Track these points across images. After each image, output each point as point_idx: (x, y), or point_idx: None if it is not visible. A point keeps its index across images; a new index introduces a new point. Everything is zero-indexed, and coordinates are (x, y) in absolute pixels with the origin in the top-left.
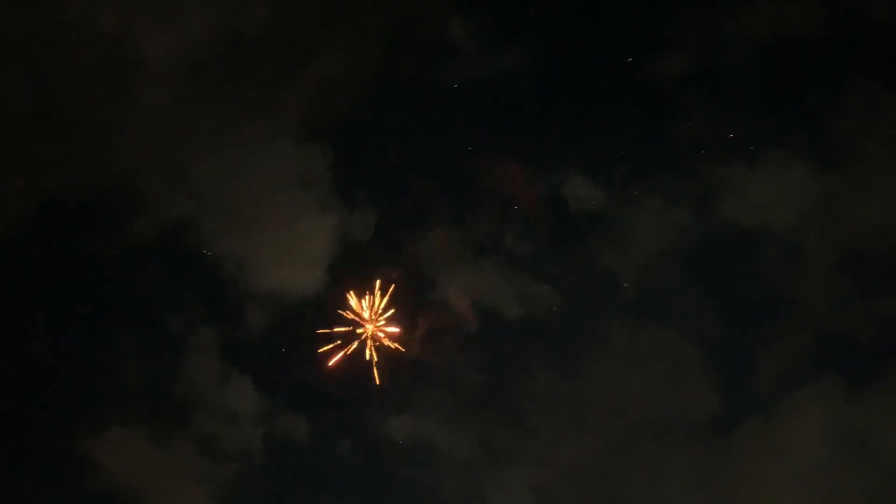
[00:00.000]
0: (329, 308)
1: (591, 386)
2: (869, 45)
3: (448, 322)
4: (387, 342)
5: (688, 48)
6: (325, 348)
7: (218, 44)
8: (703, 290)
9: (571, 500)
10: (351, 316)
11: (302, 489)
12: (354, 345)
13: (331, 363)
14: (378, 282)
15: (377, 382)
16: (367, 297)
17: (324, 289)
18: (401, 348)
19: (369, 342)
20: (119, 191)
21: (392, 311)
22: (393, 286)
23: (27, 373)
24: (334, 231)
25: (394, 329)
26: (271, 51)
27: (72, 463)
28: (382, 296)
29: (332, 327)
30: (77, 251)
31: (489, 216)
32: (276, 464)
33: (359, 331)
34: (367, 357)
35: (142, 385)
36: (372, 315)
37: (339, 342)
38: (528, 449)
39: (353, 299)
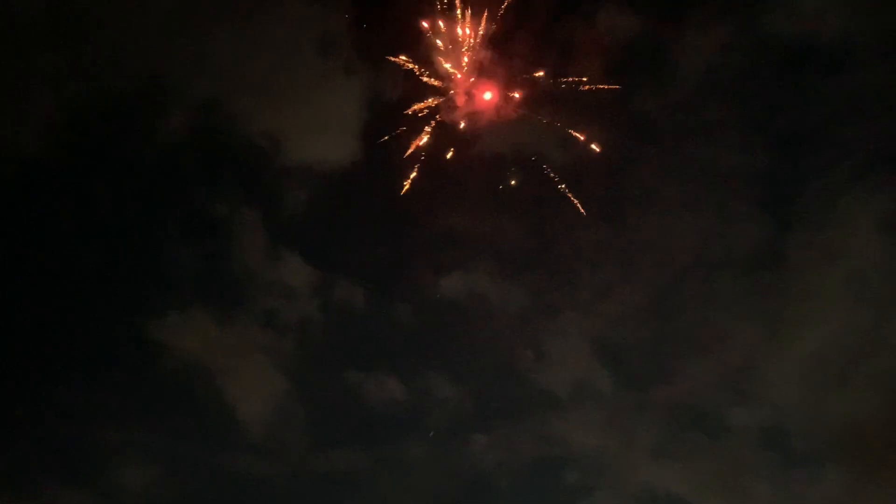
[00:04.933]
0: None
1: (638, 232)
2: None
3: (489, 175)
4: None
5: None
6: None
7: None
8: (749, 117)
9: (627, 342)
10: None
11: (363, 354)
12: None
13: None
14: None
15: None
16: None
17: (358, 156)
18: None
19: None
20: (143, 87)
21: None
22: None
23: (88, 273)
24: (362, 94)
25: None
26: None
27: (145, 348)
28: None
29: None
30: (113, 151)
31: (522, 57)
32: (337, 331)
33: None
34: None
35: (196, 269)
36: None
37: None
38: (580, 297)
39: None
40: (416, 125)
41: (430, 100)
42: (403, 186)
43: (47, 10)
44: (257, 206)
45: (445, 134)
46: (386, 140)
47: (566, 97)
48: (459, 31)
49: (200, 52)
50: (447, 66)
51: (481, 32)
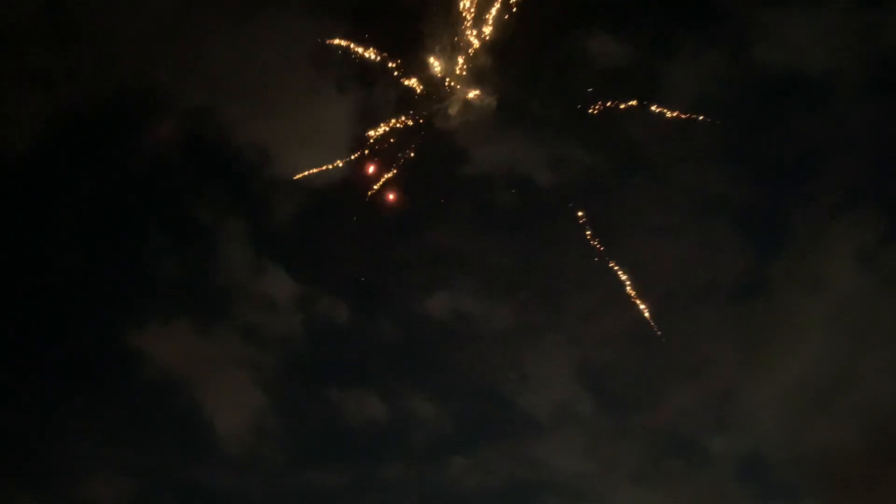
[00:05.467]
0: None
1: (623, 257)
2: None
3: (479, 194)
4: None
5: None
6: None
7: None
8: (736, 146)
9: (610, 367)
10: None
11: (344, 371)
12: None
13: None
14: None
15: None
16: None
17: (347, 171)
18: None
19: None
20: (134, 93)
21: None
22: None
23: (70, 279)
24: (354, 110)
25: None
26: None
27: (125, 358)
28: None
29: (357, 206)
30: (101, 157)
31: (514, 80)
32: (318, 347)
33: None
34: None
35: (179, 279)
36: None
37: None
38: (565, 321)
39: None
40: (406, 138)
41: (423, 113)
42: (376, 192)
43: (40, 14)
44: (243, 217)
45: (435, 148)
46: (368, 154)
47: (557, 118)
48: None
49: (193, 61)
50: (441, 75)
51: (477, 45)
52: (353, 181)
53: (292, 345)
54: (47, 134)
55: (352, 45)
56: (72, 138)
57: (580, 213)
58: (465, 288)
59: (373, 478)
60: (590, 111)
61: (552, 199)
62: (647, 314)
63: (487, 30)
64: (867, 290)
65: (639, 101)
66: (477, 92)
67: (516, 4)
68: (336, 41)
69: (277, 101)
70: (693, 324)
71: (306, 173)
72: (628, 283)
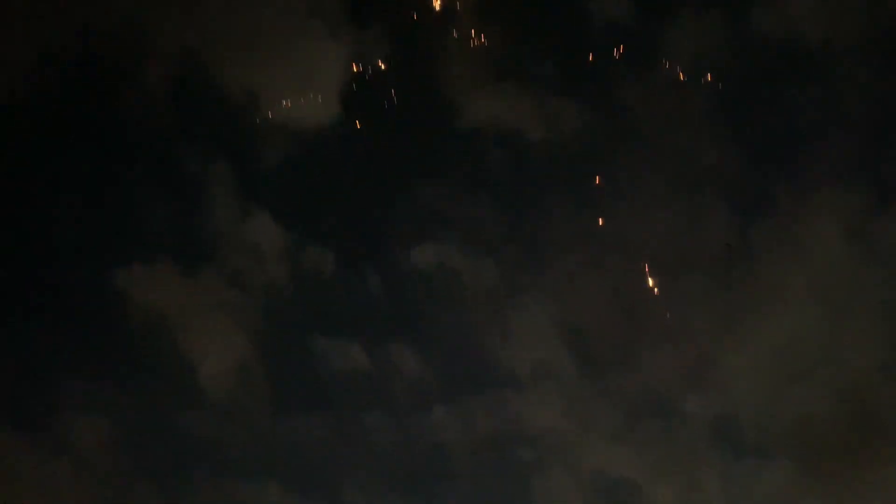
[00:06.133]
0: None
1: (610, 220)
2: None
3: (470, 147)
4: None
5: None
6: None
7: None
8: (728, 114)
9: (592, 328)
10: None
11: (328, 320)
12: None
13: None
14: None
15: None
16: None
17: (337, 118)
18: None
19: None
20: (121, 32)
21: None
22: None
23: (54, 222)
24: (346, 57)
25: None
26: None
27: (107, 299)
28: None
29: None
30: (85, 97)
31: (508, 34)
32: (303, 295)
33: None
34: None
35: (164, 223)
36: None
37: None
38: (549, 280)
39: None
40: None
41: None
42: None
43: None
44: (231, 161)
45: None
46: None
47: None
48: None
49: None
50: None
51: None
52: (343, 125)
53: (277, 291)
54: (30, 74)
55: None
56: (56, 78)
57: (570, 172)
58: (451, 242)
59: (354, 426)
60: (585, 67)
61: (543, 155)
62: (650, 280)
63: None
64: (849, 264)
65: (634, 61)
66: (475, 32)
67: None
68: None
69: (270, 44)
70: (676, 288)
71: (285, 104)
72: (620, 246)
